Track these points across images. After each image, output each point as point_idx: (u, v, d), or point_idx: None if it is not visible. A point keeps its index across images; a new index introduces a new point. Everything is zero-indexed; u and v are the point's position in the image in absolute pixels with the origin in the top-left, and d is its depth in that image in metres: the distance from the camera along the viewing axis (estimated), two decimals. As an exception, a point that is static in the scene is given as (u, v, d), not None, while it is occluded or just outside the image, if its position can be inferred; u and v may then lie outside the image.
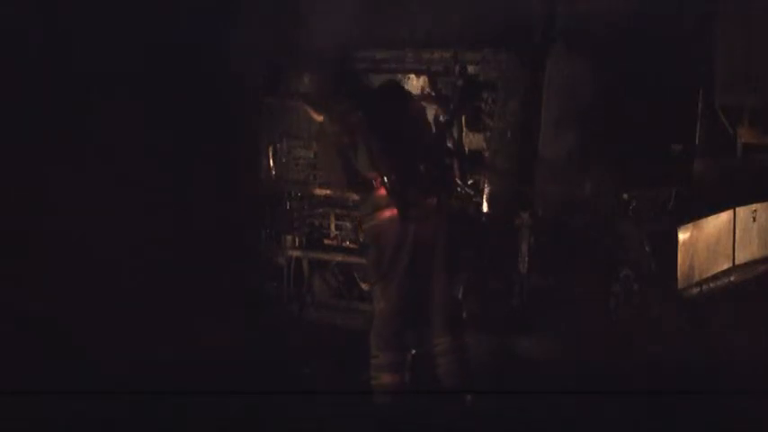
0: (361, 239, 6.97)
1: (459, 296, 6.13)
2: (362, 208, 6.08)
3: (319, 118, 6.08)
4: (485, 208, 7.06)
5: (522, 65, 7.43)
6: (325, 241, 7.65)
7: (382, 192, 5.82)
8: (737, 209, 7.93)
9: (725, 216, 7.83)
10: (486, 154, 7.04)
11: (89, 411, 5.78)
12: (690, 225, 7.59)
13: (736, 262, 8.13)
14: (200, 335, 7.01)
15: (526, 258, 6.90)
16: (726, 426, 5.88)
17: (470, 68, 7.28)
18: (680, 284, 7.56)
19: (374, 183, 5.84)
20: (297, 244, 7.69)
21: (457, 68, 7.36)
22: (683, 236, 7.55)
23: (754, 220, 7.84)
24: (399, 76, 7.53)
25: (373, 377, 5.94)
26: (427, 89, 7.19)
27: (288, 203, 7.76)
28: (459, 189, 6.83)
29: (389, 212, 5.81)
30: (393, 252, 5.82)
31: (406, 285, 5.84)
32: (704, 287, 7.77)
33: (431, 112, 6.73)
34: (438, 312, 5.91)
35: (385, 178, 5.77)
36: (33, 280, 6.95)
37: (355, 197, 6.41)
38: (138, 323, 6.91)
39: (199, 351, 6.78)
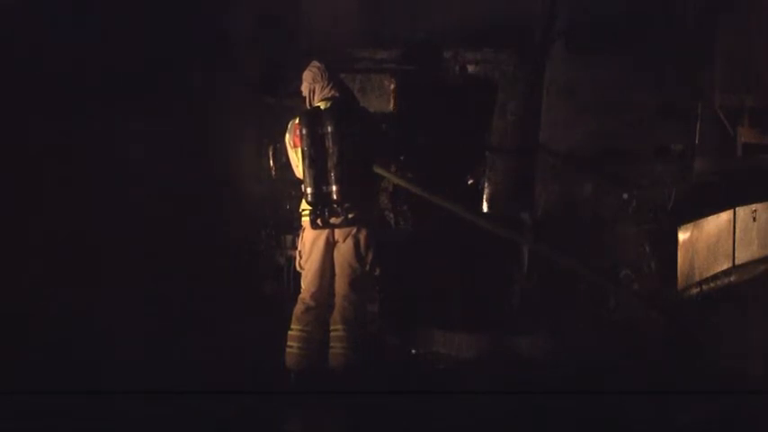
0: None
1: (364, 302, 6.77)
2: (300, 204, 6.66)
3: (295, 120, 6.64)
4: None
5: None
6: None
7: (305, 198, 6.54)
8: (737, 209, 7.92)
9: (725, 216, 7.82)
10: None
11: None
12: (690, 225, 7.59)
13: (737, 262, 8.13)
14: (198, 335, 7.03)
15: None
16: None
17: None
18: (680, 284, 7.57)
19: (302, 187, 6.55)
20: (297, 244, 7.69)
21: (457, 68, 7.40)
22: (683, 236, 7.55)
23: (755, 220, 7.83)
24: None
25: (288, 346, 6.55)
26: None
27: (288, 203, 7.77)
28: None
29: (307, 218, 6.53)
30: (308, 250, 6.61)
31: (315, 279, 6.59)
32: (704, 287, 7.77)
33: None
34: (339, 304, 6.59)
35: (308, 189, 6.44)
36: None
37: None
38: (137, 320, 6.94)
39: (196, 351, 6.80)
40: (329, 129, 6.41)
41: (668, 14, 7.66)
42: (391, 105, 8.09)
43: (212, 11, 7.80)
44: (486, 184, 8.00)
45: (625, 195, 7.75)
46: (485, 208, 7.96)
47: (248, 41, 7.87)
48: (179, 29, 7.63)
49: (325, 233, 6.54)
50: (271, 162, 7.80)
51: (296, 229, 7.49)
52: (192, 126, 7.66)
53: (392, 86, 8.09)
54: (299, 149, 6.50)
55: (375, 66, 8.02)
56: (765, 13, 7.40)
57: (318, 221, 6.47)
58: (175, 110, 7.60)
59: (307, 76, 6.66)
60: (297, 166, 6.63)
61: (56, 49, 7.18)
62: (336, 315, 6.57)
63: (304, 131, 6.44)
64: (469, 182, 8.17)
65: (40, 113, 7.15)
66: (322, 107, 6.54)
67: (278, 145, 7.69)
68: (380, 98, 8.06)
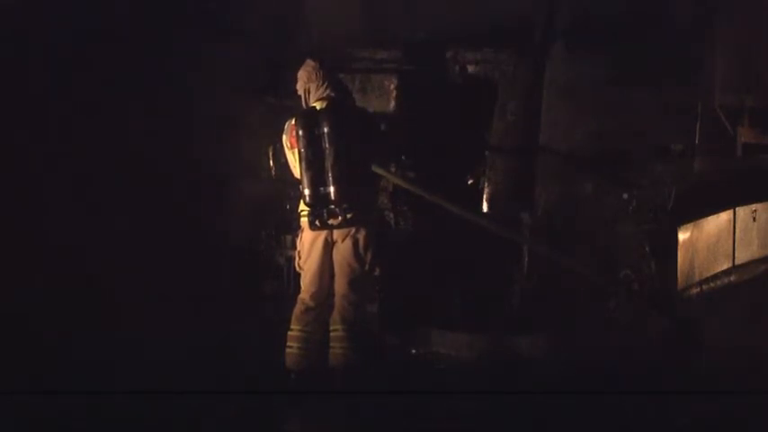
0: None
1: (364, 301, 6.72)
2: (300, 205, 6.59)
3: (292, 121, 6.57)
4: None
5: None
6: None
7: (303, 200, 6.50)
8: (737, 209, 7.91)
9: (725, 216, 7.81)
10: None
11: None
12: (690, 225, 7.59)
13: (737, 262, 8.11)
14: (198, 334, 7.03)
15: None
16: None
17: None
18: (680, 284, 7.56)
19: (300, 188, 6.49)
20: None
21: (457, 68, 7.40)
22: (683, 236, 7.55)
23: (755, 220, 7.81)
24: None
25: (288, 346, 6.52)
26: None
27: (288, 203, 7.78)
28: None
29: (305, 219, 6.49)
30: (307, 251, 6.56)
31: (315, 280, 6.56)
32: (704, 287, 7.76)
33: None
34: (338, 304, 6.56)
35: (306, 190, 6.38)
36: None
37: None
38: (139, 321, 6.95)
39: (197, 351, 6.81)
40: (326, 129, 6.35)
41: (668, 14, 7.67)
42: (391, 105, 8.10)
43: (212, 10, 7.82)
44: (486, 184, 8.01)
45: (625, 195, 7.76)
46: (485, 208, 7.97)
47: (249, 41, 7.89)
48: (179, 28, 7.65)
49: (323, 233, 6.51)
50: (271, 162, 7.79)
51: (295, 229, 7.51)
52: (192, 126, 7.66)
53: (392, 86, 8.10)
54: (296, 150, 6.46)
55: (375, 66, 8.03)
56: (765, 12, 7.39)
57: (317, 223, 6.44)
58: (175, 109, 7.60)
59: (301, 75, 6.60)
60: (294, 167, 6.60)
61: (55, 49, 7.19)
62: (336, 315, 6.56)
63: (300, 133, 6.39)
64: (469, 182, 8.19)
65: (40, 113, 7.18)
66: (318, 107, 6.49)
67: (277, 145, 7.67)
68: (380, 98, 8.07)
